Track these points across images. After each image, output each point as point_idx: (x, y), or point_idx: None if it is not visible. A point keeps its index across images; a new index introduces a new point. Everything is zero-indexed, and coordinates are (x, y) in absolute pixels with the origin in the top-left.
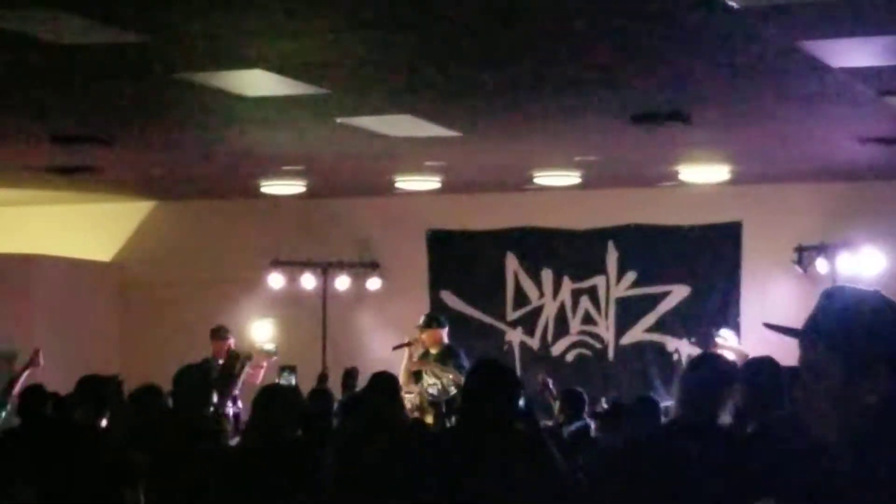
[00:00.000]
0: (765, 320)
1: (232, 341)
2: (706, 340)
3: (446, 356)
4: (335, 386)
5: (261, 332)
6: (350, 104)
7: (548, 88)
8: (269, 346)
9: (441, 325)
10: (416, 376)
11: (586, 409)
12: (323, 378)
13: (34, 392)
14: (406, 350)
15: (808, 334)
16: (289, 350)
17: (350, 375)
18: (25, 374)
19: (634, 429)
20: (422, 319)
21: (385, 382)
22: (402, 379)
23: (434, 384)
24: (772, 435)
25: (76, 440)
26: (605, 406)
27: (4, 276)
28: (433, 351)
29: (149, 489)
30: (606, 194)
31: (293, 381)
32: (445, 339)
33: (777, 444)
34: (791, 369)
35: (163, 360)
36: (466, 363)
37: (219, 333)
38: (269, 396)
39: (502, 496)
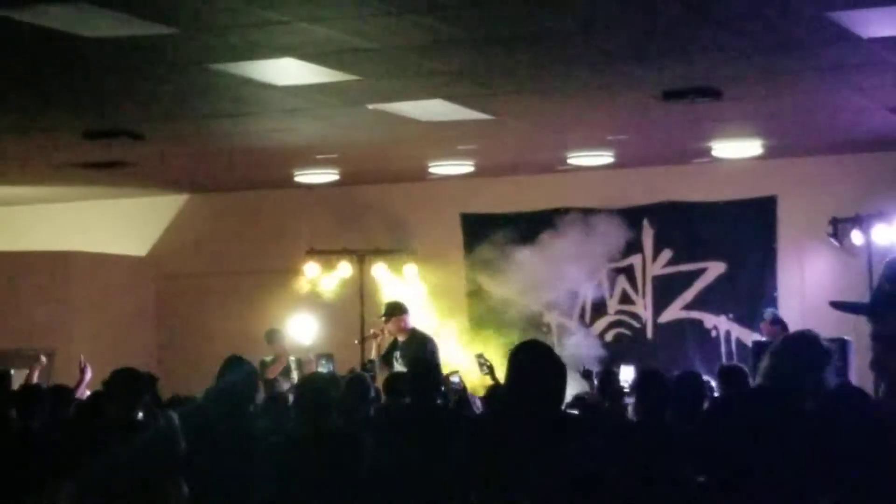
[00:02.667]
0: (802, 293)
1: (286, 343)
2: (754, 320)
3: (415, 345)
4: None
5: (306, 330)
6: (381, 90)
7: (578, 68)
8: (323, 361)
9: (403, 311)
10: (386, 360)
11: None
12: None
13: (58, 392)
14: (374, 342)
15: (882, 308)
16: (327, 339)
17: (369, 368)
18: (83, 387)
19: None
20: (383, 308)
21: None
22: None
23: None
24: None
25: (111, 436)
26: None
27: (42, 273)
28: (400, 339)
29: (194, 481)
30: (640, 173)
31: (331, 369)
32: (409, 325)
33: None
34: (832, 341)
35: (201, 352)
36: (435, 347)
37: (271, 337)
38: (308, 386)
39: (542, 478)
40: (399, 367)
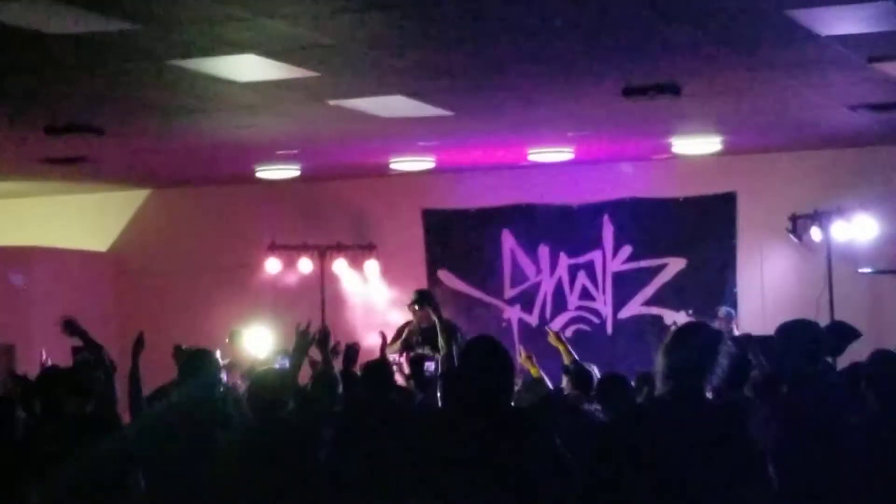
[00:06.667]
0: (761, 289)
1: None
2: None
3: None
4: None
5: (263, 340)
6: (342, 86)
7: (539, 65)
8: (262, 356)
9: (433, 300)
10: (406, 345)
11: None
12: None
13: (24, 386)
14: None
15: None
16: (288, 334)
17: (352, 350)
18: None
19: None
20: (414, 299)
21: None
22: (388, 350)
23: (433, 358)
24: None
25: (71, 432)
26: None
27: (1, 268)
28: (423, 325)
29: (153, 473)
30: (600, 169)
31: (287, 364)
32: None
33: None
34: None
35: (162, 347)
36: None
37: (232, 338)
38: (261, 382)
39: (499, 474)
40: (421, 350)
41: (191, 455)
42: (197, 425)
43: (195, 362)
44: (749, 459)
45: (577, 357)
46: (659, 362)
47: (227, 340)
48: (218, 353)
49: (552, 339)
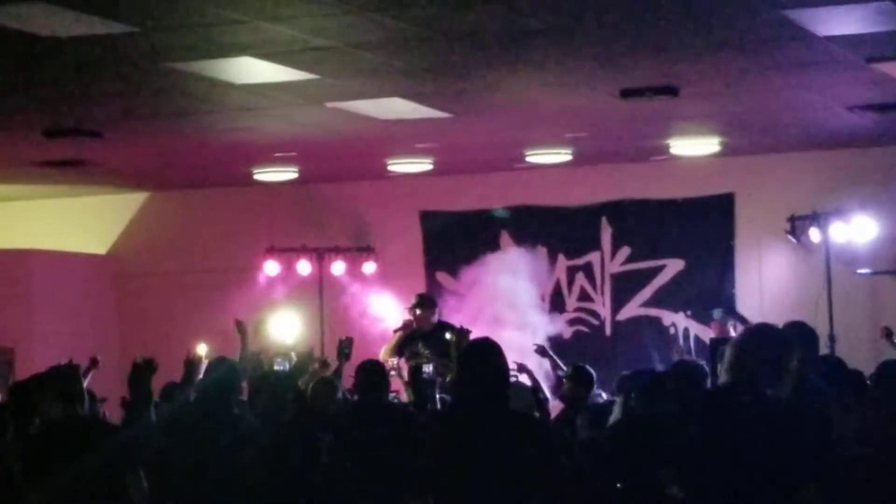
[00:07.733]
0: (760, 291)
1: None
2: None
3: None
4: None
5: (289, 327)
6: (340, 88)
7: (537, 66)
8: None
9: (435, 305)
10: (407, 349)
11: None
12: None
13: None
14: (401, 332)
15: None
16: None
17: (345, 344)
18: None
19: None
20: (415, 302)
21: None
22: (384, 353)
23: (430, 360)
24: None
25: (66, 436)
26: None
27: (2, 271)
28: (425, 329)
29: (163, 475)
30: (598, 170)
31: (286, 368)
32: (437, 318)
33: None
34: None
35: (161, 350)
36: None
37: (258, 327)
38: (262, 384)
39: (498, 476)
40: (425, 355)
41: (198, 458)
42: (208, 429)
43: (214, 368)
44: (785, 459)
45: (564, 368)
46: (726, 353)
47: (253, 330)
48: (202, 348)
49: (538, 354)
